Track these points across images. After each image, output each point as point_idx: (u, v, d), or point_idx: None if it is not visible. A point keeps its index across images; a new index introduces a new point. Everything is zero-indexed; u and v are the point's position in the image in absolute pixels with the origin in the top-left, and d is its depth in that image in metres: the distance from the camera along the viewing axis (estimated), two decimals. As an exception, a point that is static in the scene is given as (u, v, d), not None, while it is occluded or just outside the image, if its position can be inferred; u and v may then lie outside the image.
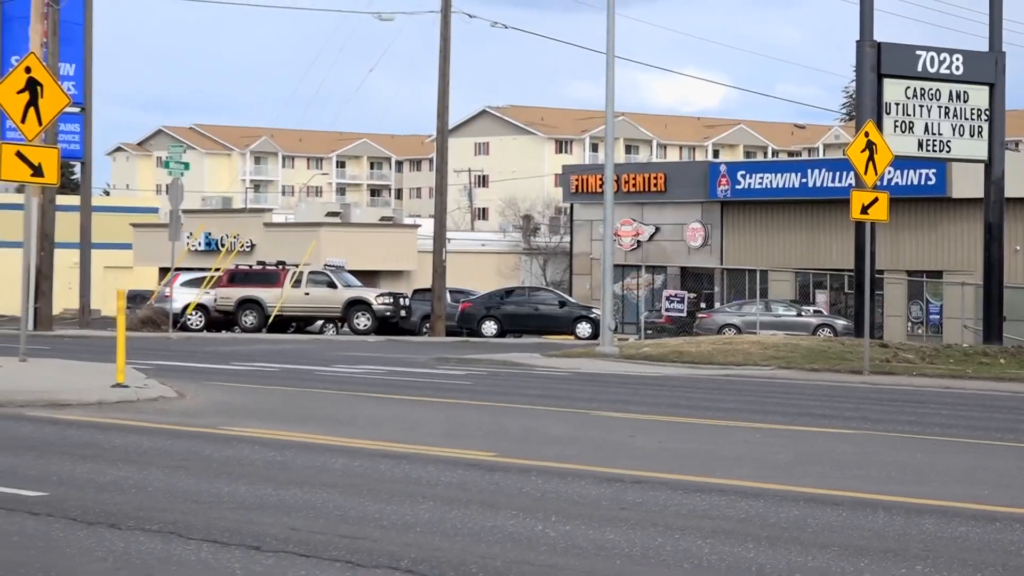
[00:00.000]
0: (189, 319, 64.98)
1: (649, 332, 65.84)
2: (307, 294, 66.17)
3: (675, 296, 69.92)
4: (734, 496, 14.90)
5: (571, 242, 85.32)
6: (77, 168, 69.91)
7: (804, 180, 71.66)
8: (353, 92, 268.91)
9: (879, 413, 27.70)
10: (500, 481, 15.73)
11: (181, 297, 64.20)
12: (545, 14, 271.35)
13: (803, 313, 66.65)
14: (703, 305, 71.99)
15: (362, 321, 65.07)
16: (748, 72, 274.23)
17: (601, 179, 62.66)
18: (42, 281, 55.15)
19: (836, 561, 11.45)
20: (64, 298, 63.05)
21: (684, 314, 67.97)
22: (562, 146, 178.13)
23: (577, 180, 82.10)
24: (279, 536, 11.97)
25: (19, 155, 29.60)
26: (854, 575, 10.98)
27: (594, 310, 63.50)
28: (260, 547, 11.52)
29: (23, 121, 29.76)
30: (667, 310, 68.58)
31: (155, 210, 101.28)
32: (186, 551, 11.38)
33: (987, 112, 49.46)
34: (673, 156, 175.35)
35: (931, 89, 48.51)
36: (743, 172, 75.40)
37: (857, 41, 48.95)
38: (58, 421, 21.51)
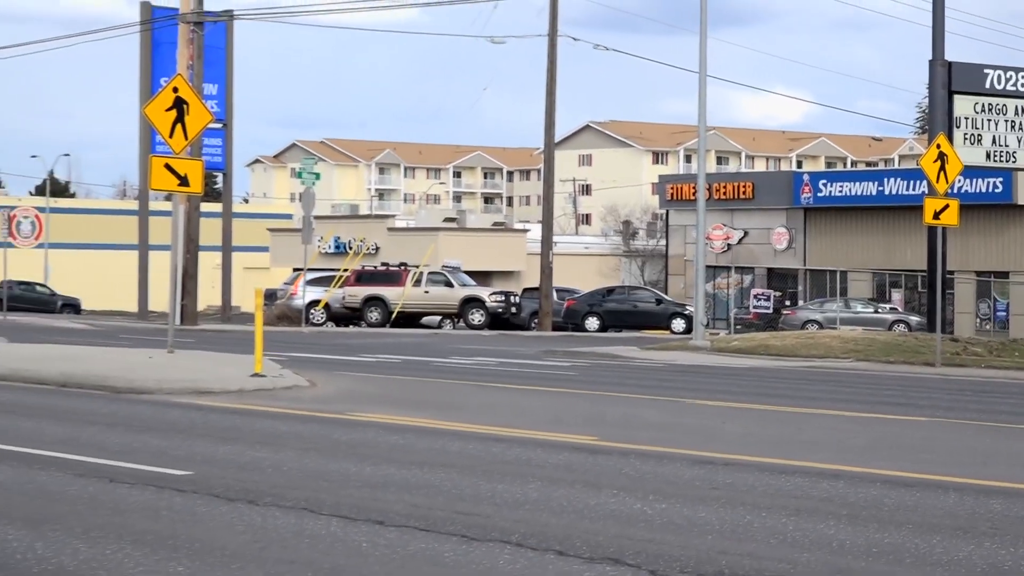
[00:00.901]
0: (319, 316, 65.27)
1: (738, 327, 65.66)
2: (427, 292, 66.33)
3: (762, 294, 69.72)
4: (816, 477, 14.83)
5: (667, 245, 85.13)
6: (219, 178, 70.42)
7: (880, 188, 71.28)
8: (469, 109, 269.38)
9: (949, 402, 27.50)
10: (602, 463, 15.72)
11: (308, 295, 64.47)
12: (643, 37, 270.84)
13: (879, 310, 66.29)
14: (787, 303, 71.76)
15: (476, 317, 65.17)
16: (829, 89, 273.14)
17: (694, 188, 62.65)
18: (188, 280, 55.53)
19: (910, 538, 11.37)
20: (208, 296, 63.48)
21: (770, 311, 67.77)
22: (658, 157, 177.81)
23: (672, 188, 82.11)
24: (401, 512, 12.01)
25: (168, 167, 29.86)
26: (927, 551, 10.89)
27: (688, 307, 63.24)
28: (384, 522, 11.56)
29: (171, 136, 30.00)
30: (755, 307, 68.40)
31: (289, 216, 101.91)
32: (317, 525, 11.44)
33: (1049, 125, 49.06)
34: (760, 167, 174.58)
35: (998, 104, 48.07)
36: (824, 181, 75.17)
37: (930, 61, 48.65)
38: (202, 407, 21.68)
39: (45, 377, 25.66)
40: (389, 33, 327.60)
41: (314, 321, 64.64)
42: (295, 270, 73.00)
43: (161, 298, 59.02)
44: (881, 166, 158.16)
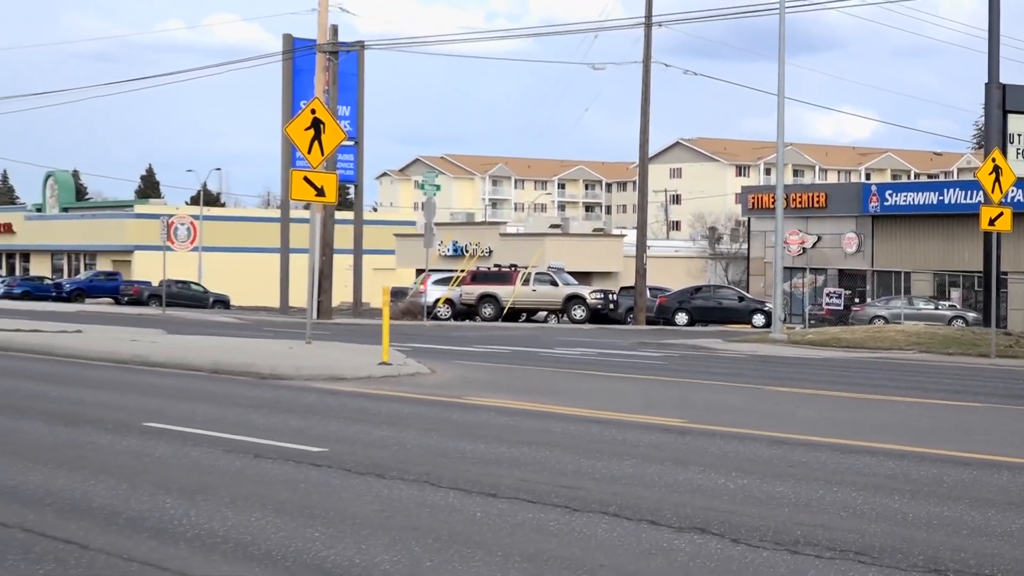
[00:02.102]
0: (439, 311, 65.49)
1: (812, 322, 65.32)
2: (534, 290, 66.34)
3: (833, 293, 69.40)
4: (881, 457, 14.70)
5: (748, 249, 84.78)
6: (351, 190, 70.75)
7: (941, 198, 70.55)
8: (572, 127, 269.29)
9: (1003, 390, 27.17)
10: (689, 443, 15.67)
11: (432, 293, 64.75)
12: (727, 63, 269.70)
13: (940, 307, 65.63)
14: (856, 300, 71.22)
15: (578, 312, 65.11)
16: (894, 109, 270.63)
17: (773, 197, 62.44)
18: (324, 280, 55.87)
19: (967, 511, 11.26)
20: (341, 293, 63.74)
21: (841, 308, 67.41)
22: (741, 171, 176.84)
23: (753, 198, 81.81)
24: (511, 485, 12.02)
25: (306, 179, 30.04)
26: (982, 523, 10.78)
27: (767, 304, 63.02)
28: (496, 494, 11.57)
29: (309, 152, 30.19)
30: (827, 304, 68.08)
31: (413, 223, 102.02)
32: (436, 497, 11.46)
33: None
34: (832, 179, 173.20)
35: (1049, 122, 47.69)
36: (890, 191, 74.61)
37: (986, 83, 48.26)
38: (336, 391, 21.80)
39: (198, 365, 25.92)
40: (502, 60, 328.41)
41: (439, 315, 64.90)
42: (418, 271, 73.27)
43: (300, 295, 59.43)
44: (941, 178, 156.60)
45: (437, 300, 65.85)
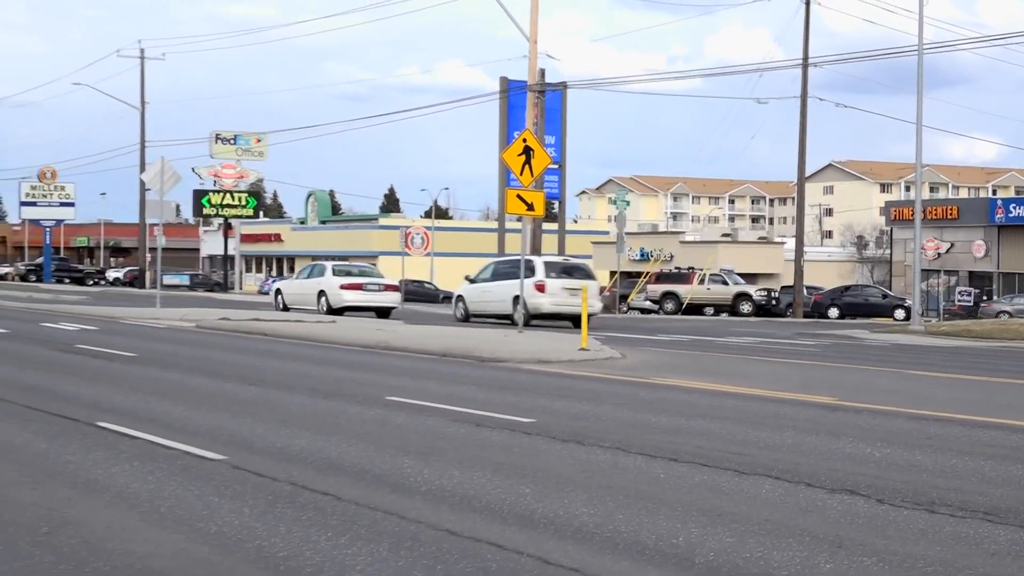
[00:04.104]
0: (633, 305, 65.55)
1: (946, 316, 64.15)
2: (708, 289, 66.11)
3: (964, 291, 68.09)
4: (1008, 431, 14.31)
5: (891, 254, 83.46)
6: (556, 205, 70.75)
7: (1059, 210, 69.05)
8: (740, 151, 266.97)
9: (1114, 374, 26.30)
10: (840, 418, 15.41)
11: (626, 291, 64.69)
12: (873, 96, 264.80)
13: (1058, 303, 64.00)
14: (984, 297, 69.62)
15: (745, 307, 64.65)
16: (1018, 134, 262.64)
17: (912, 210, 61.25)
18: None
19: (1083, 479, 10.92)
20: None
21: (971, 304, 66.16)
22: (884, 187, 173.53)
23: (895, 211, 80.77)
24: (689, 452, 11.95)
25: (519, 197, 30.24)
26: (1096, 489, 10.44)
27: (907, 301, 61.90)
28: (676, 459, 11.51)
29: (521, 174, 30.38)
30: (959, 301, 66.87)
31: (606, 232, 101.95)
32: (626, 460, 11.44)
33: None
34: (963, 194, 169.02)
35: None
36: (1014, 205, 73.11)
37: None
38: (543, 372, 21.87)
39: (431, 349, 26.20)
40: (681, 96, 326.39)
41: (635, 307, 65.04)
42: (611, 273, 73.23)
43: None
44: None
45: (626, 296, 65.86)
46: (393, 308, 46.26)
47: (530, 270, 39.13)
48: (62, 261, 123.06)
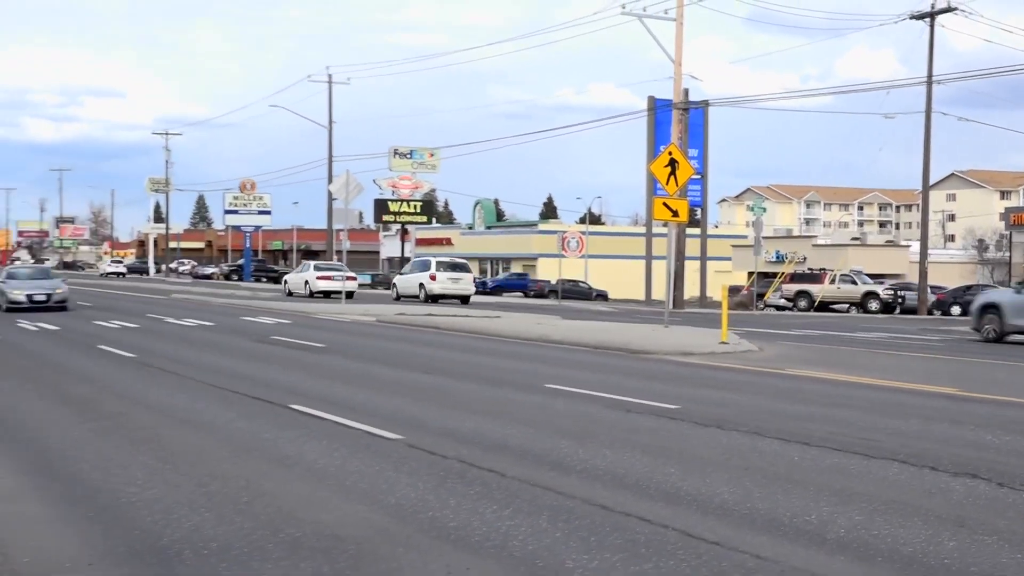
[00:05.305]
0: (769, 302, 64.79)
1: (1063, 313, 61.99)
2: (838, 288, 64.97)
3: (1081, 290, 65.80)
4: (1123, 421, 13.82)
5: (1010, 256, 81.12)
6: (698, 212, 70.19)
7: None
8: (869, 162, 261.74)
9: None
10: (962, 407, 15.03)
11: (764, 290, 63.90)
12: (994, 110, 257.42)
13: None
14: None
15: (873, 305, 63.36)
16: None
17: (1031, 215, 59.37)
18: (678, 279, 55.58)
19: None
20: (691, 290, 63.47)
21: (1087, 301, 63.82)
22: (1004, 194, 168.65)
23: (1015, 216, 78.52)
24: (820, 437, 11.78)
25: (665, 204, 30.06)
26: None
27: (1026, 299, 60.02)
28: (808, 443, 11.36)
29: (667, 184, 30.20)
30: (1076, 299, 64.53)
31: (744, 237, 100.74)
32: (763, 444, 11.33)
33: None
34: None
35: None
36: None
37: None
38: (687, 363, 21.74)
39: (585, 342, 26.21)
40: (812, 112, 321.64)
41: (770, 304, 64.30)
42: (749, 273, 72.45)
43: (659, 290, 59.54)
44: None
45: (762, 294, 65.08)
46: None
47: (427, 266, 51.77)
48: (260, 262, 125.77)
